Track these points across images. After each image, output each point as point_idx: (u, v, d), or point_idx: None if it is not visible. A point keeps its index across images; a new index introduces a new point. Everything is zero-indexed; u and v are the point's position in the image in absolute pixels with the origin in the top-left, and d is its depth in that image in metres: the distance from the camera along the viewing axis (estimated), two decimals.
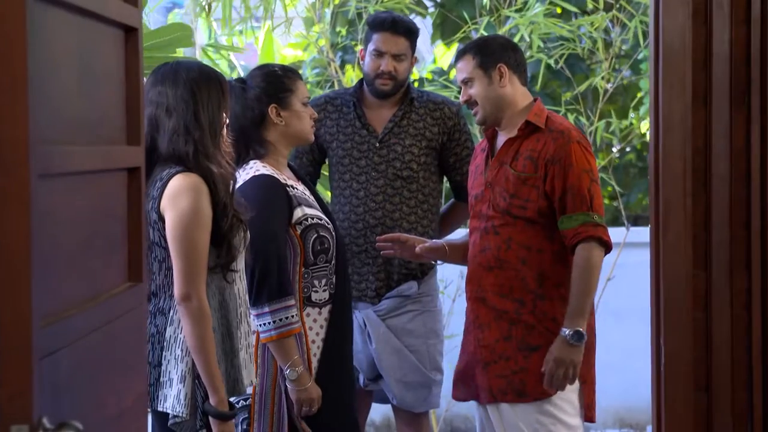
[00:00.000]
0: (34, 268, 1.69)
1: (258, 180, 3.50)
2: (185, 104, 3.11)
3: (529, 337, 3.67)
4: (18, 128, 1.67)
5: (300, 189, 3.61)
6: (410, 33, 4.22)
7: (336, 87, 6.15)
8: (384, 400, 4.35)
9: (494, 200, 3.72)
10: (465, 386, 3.82)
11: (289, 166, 3.74)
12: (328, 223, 3.59)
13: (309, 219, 3.54)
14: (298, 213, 3.53)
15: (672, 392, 3.10)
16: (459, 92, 3.92)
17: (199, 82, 3.13)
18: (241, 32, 6.78)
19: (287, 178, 3.61)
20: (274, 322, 3.45)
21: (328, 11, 6.52)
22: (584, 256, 3.60)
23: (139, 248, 2.33)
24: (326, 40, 6.52)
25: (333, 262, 3.61)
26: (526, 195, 3.67)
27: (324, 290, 3.59)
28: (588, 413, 3.74)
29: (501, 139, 3.80)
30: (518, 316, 3.67)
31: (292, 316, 3.46)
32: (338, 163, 4.24)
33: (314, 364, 3.57)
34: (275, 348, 3.48)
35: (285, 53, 8.00)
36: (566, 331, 3.57)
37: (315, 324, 3.59)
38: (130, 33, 2.33)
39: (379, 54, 4.18)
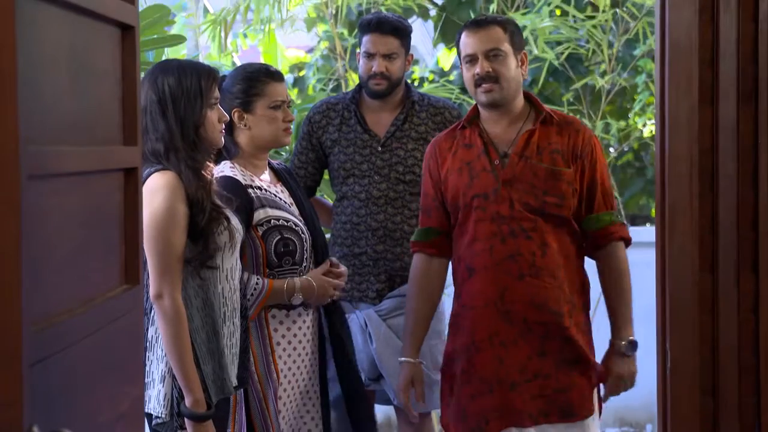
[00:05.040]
0: (25, 272, 1.66)
1: (218, 182, 3.46)
2: (151, 103, 3.12)
3: (566, 350, 3.44)
4: (6, 127, 1.63)
5: (272, 191, 3.56)
6: (398, 31, 4.19)
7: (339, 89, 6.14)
8: (387, 401, 4.34)
9: (521, 199, 3.44)
10: (475, 415, 3.51)
11: (273, 167, 3.69)
12: (296, 225, 3.53)
13: (272, 220, 3.49)
14: (259, 214, 3.47)
15: (678, 397, 3.06)
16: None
17: (171, 81, 3.13)
18: (245, 35, 6.79)
19: (258, 179, 3.57)
20: None
21: (330, 11, 6.52)
22: (618, 258, 3.48)
23: (136, 250, 2.30)
24: (327, 43, 6.51)
25: (305, 265, 3.56)
26: (560, 192, 3.44)
27: None
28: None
29: (503, 131, 3.55)
30: (554, 329, 3.43)
31: None
32: (340, 168, 4.23)
33: (280, 365, 3.53)
34: None
35: (287, 55, 8.01)
36: (621, 343, 3.43)
37: (281, 326, 3.55)
38: (127, 31, 2.30)
39: (369, 55, 4.18)
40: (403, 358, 3.68)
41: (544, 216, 3.44)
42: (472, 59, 3.51)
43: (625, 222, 3.51)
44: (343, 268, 3.65)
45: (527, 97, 3.63)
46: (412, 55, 4.33)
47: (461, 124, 3.63)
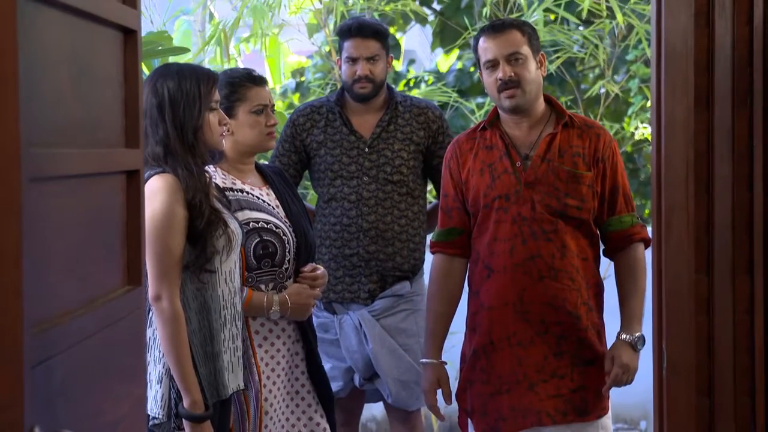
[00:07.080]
0: (26, 274, 1.67)
1: None
2: (151, 107, 3.14)
3: (582, 350, 3.48)
4: (8, 130, 1.64)
5: (255, 194, 3.56)
6: (378, 34, 4.25)
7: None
8: (379, 398, 4.38)
9: (542, 201, 3.46)
10: (494, 413, 3.54)
11: (261, 169, 3.69)
12: (277, 227, 3.53)
13: (251, 223, 3.49)
14: (237, 217, 3.45)
15: (674, 397, 3.07)
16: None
17: (170, 85, 3.15)
18: (247, 40, 6.81)
19: (241, 183, 3.57)
20: None
21: (331, 17, 6.54)
22: (636, 257, 3.52)
23: (138, 252, 2.32)
24: (330, 46, 6.53)
25: (286, 266, 3.56)
26: (581, 194, 3.48)
27: None
28: None
29: (524, 134, 3.55)
30: (570, 330, 3.46)
31: None
32: (327, 170, 4.25)
33: (261, 367, 3.54)
34: None
35: (289, 60, 8.03)
36: (631, 337, 3.46)
37: (263, 328, 3.56)
38: (129, 35, 2.31)
39: (352, 60, 4.23)
40: (425, 360, 3.68)
41: (565, 218, 3.46)
42: (493, 64, 3.51)
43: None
44: (320, 271, 3.64)
45: (548, 100, 3.63)
46: (392, 57, 4.39)
47: (482, 125, 3.63)
